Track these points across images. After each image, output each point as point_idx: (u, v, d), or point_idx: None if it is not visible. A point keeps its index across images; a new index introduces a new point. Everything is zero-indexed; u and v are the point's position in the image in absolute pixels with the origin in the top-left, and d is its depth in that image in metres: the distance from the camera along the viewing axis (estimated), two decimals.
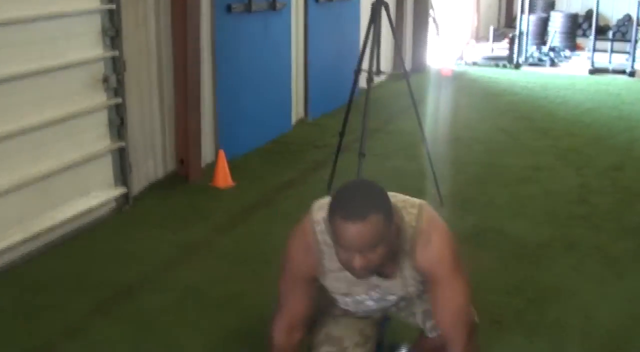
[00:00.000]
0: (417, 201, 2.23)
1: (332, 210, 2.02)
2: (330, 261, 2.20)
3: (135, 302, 3.44)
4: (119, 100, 4.36)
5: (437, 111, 7.31)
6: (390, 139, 6.22)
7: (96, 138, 4.32)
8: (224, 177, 4.93)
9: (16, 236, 3.80)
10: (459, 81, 9.34)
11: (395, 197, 2.17)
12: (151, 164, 4.84)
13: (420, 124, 4.62)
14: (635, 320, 3.31)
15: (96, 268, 3.79)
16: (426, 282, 2.26)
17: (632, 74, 9.52)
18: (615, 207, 4.72)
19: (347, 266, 2.07)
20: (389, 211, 2.03)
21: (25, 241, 3.85)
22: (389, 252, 2.08)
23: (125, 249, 4.01)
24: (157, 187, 4.85)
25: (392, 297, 2.39)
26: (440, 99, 8.08)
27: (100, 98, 4.30)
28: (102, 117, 4.35)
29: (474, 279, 3.59)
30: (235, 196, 4.80)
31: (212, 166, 5.16)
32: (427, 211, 2.21)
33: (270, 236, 4.17)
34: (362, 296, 2.36)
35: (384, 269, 2.17)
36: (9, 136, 3.73)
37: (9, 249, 3.76)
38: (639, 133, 6.43)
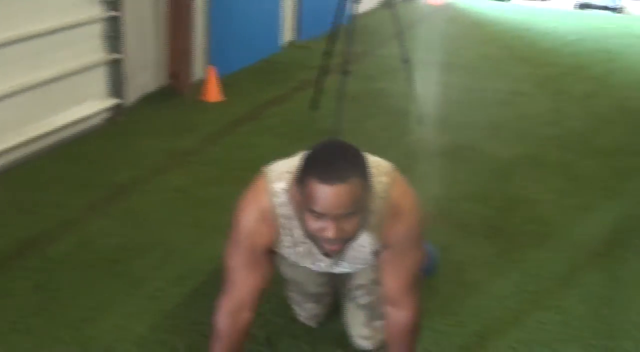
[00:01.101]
0: (387, 166, 2.10)
1: (307, 171, 1.84)
2: (286, 237, 2.11)
3: (127, 201, 3.69)
4: (116, 13, 4.53)
5: (423, 38, 7.48)
6: (377, 62, 6.41)
7: (92, 49, 4.50)
8: (214, 92, 5.13)
9: (13, 140, 4.01)
10: (448, 11, 9.48)
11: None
12: (144, 77, 5.03)
13: (402, 45, 4.80)
14: (587, 226, 3.58)
15: (90, 171, 4.02)
16: (381, 254, 2.15)
17: (618, 10, 9.67)
18: (585, 131, 4.96)
19: (317, 236, 1.90)
20: (368, 176, 1.88)
21: (21, 145, 4.06)
22: (361, 225, 1.93)
23: (118, 155, 4.24)
24: (149, 100, 5.06)
25: (338, 269, 2.32)
26: (427, 27, 8.24)
27: (97, 10, 4.47)
28: (99, 30, 4.53)
29: (446, 189, 3.92)
30: (224, 110, 5.01)
31: (202, 82, 5.36)
32: (398, 180, 2.09)
33: (256, 146, 4.41)
34: (306, 265, 2.28)
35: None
36: (8, 43, 3.90)
37: (6, 152, 3.98)
38: (618, 64, 6.64)
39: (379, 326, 2.54)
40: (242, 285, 2.16)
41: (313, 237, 1.93)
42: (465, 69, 6.35)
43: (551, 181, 4.12)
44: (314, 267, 2.31)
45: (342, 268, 2.29)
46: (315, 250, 2.12)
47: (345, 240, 1.92)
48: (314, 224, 1.88)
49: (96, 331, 2.66)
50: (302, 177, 1.87)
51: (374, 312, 2.51)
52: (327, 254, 2.09)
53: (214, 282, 2.96)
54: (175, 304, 2.84)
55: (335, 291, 2.68)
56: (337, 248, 1.94)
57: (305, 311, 2.68)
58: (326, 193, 1.80)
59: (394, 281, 2.16)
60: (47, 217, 3.47)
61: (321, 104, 5.07)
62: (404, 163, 2.31)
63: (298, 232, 2.08)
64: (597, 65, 6.55)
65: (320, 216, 1.84)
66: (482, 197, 3.86)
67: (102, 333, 2.65)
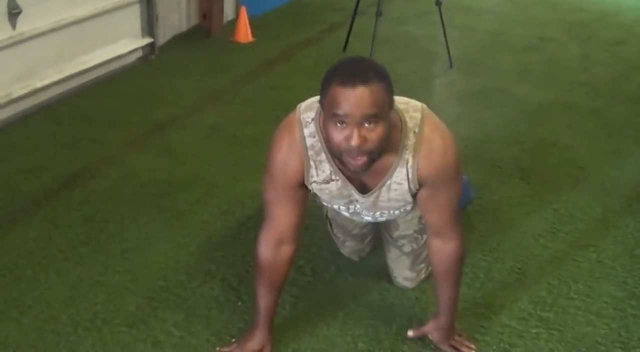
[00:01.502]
0: (418, 104, 2.10)
1: (329, 77, 1.86)
2: (317, 170, 2.11)
3: (164, 138, 3.75)
4: None
5: None
6: (405, 5, 6.38)
7: None
8: (244, 33, 5.15)
9: (51, 77, 4.08)
10: None
11: (396, 98, 2.00)
12: (176, 17, 5.05)
13: None
14: (621, 171, 3.62)
15: (127, 108, 4.08)
16: (419, 192, 2.14)
17: None
18: (613, 77, 4.96)
19: (342, 149, 1.89)
20: (390, 85, 1.89)
21: (59, 82, 4.13)
22: (387, 137, 1.92)
23: (153, 93, 4.29)
24: (181, 40, 5.08)
25: (367, 218, 2.37)
26: None
27: None
28: None
29: (477, 130, 3.96)
30: (255, 51, 5.04)
31: (233, 23, 5.37)
32: (430, 116, 2.09)
33: (291, 87, 4.44)
34: (340, 207, 2.32)
35: (376, 164, 1.98)
36: None
37: (45, 88, 4.04)
38: None
39: (422, 268, 2.64)
40: (280, 218, 2.18)
41: (339, 153, 1.92)
42: (493, 14, 6.32)
43: (582, 125, 4.15)
44: (346, 213, 2.35)
45: (380, 213, 2.30)
46: (348, 189, 2.15)
47: (370, 152, 1.89)
48: (338, 135, 1.87)
49: (145, 260, 2.75)
50: (325, 86, 1.87)
51: (417, 257, 2.60)
52: (361, 191, 2.14)
53: (258, 217, 3.03)
54: (221, 237, 2.92)
55: (377, 233, 2.75)
56: (362, 162, 1.91)
57: (348, 248, 2.76)
58: (348, 94, 1.81)
59: (436, 217, 2.18)
60: (88, 153, 3.54)
61: (352, 46, 5.08)
62: (435, 105, 2.35)
63: (327, 167, 2.10)
64: (625, 13, 6.50)
65: (342, 122, 1.85)
66: (514, 140, 3.89)
67: (151, 263, 2.74)
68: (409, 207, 2.27)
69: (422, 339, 2.40)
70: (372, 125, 1.86)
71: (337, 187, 2.16)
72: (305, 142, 2.07)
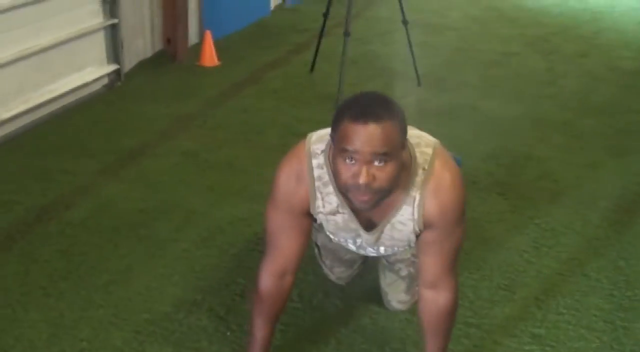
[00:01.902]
0: (432, 139, 2.05)
1: (341, 113, 1.83)
2: (323, 201, 2.07)
3: (137, 165, 3.68)
4: None
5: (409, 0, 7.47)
6: (367, 24, 6.39)
7: (90, 14, 4.44)
8: (210, 56, 5.11)
9: (18, 107, 3.99)
10: None
11: (410, 129, 1.95)
12: (141, 42, 4.99)
13: (401, 7, 4.79)
14: (597, 183, 3.65)
15: (97, 137, 4.00)
16: (422, 234, 2.08)
17: None
18: (580, 89, 5.02)
19: (349, 185, 1.85)
20: (404, 124, 1.85)
21: (26, 112, 4.03)
22: (396, 177, 1.87)
23: (123, 120, 4.22)
24: (146, 65, 5.02)
25: (372, 254, 2.33)
26: None
27: None
28: None
29: (451, 147, 3.95)
30: (222, 74, 5.00)
31: (197, 47, 5.33)
32: (442, 153, 2.04)
33: (261, 110, 4.41)
34: (348, 241, 2.26)
35: (382, 204, 1.96)
36: (7, 10, 3.85)
37: (12, 119, 3.95)
38: (603, 24, 6.68)
39: (416, 290, 2.59)
40: (284, 248, 2.13)
41: (345, 189, 1.88)
42: (455, 30, 6.37)
43: (554, 138, 4.18)
44: (352, 245, 2.29)
45: (380, 251, 2.26)
46: (353, 223, 2.11)
47: (377, 191, 1.85)
48: (346, 172, 1.83)
49: (128, 293, 2.69)
50: (336, 122, 1.84)
51: (413, 281, 2.55)
52: (366, 227, 2.10)
53: (239, 243, 3.02)
54: (204, 265, 2.87)
55: (366, 258, 2.70)
56: (368, 199, 1.86)
57: (336, 273, 2.72)
58: (359, 130, 1.77)
59: (435, 262, 2.09)
60: (60, 184, 3.46)
61: (319, 67, 5.07)
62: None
63: (334, 200, 2.06)
64: (584, 25, 6.60)
65: (352, 158, 1.81)
66: (488, 156, 3.91)
67: (135, 295, 2.68)
68: (413, 245, 2.19)
69: None
70: (382, 164, 1.82)
71: (344, 220, 2.11)
72: (313, 173, 2.04)
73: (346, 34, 4.53)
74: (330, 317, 2.61)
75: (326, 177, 2.04)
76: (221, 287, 2.74)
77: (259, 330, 2.22)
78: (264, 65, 5.23)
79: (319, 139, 2.07)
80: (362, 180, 1.81)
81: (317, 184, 2.05)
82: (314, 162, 2.04)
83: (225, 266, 2.87)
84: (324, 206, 2.09)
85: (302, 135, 3.78)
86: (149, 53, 5.09)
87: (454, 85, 4.99)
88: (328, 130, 2.03)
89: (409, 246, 2.21)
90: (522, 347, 2.48)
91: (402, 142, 1.86)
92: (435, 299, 2.13)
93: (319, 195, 2.06)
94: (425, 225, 2.04)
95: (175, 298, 2.67)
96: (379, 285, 2.64)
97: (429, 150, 2.02)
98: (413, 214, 2.03)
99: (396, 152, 1.84)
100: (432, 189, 1.99)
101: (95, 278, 2.76)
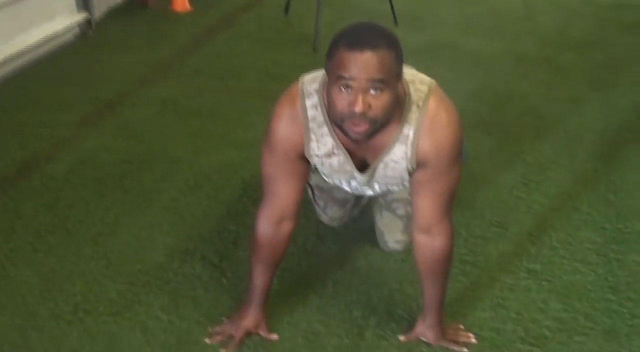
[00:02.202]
0: (427, 78, 2.00)
1: (337, 40, 1.79)
2: (318, 143, 2.03)
3: (117, 115, 3.60)
4: None
5: None
6: None
7: None
8: (182, 2, 4.99)
9: None
10: None
11: (404, 68, 1.90)
12: None
13: None
14: (580, 117, 3.65)
15: (72, 87, 3.90)
16: (415, 173, 2.03)
17: None
18: (558, 24, 5.00)
19: (345, 114, 1.81)
20: (400, 54, 1.81)
21: None
22: (392, 106, 1.84)
23: (97, 70, 4.12)
24: (117, 13, 4.90)
25: (369, 193, 2.30)
26: None
27: None
28: None
29: None
30: (195, 19, 4.89)
31: None
32: (438, 91, 1.99)
33: (237, 54, 4.33)
34: (342, 182, 2.22)
35: (376, 138, 1.93)
36: None
37: None
38: None
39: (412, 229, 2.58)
40: (281, 194, 2.10)
41: (340, 119, 1.84)
42: None
43: (535, 74, 4.17)
44: (346, 187, 2.26)
45: (375, 189, 2.23)
46: (348, 165, 2.08)
47: (373, 120, 1.81)
48: (342, 101, 1.79)
49: (119, 244, 2.64)
50: (331, 50, 1.80)
51: (410, 220, 2.50)
52: (360, 168, 2.07)
53: (227, 190, 2.98)
54: (193, 214, 2.83)
55: (359, 198, 2.68)
56: (364, 129, 1.83)
57: (328, 215, 2.69)
58: (355, 57, 1.74)
59: (429, 204, 2.05)
60: (39, 137, 3.38)
61: (293, 8, 4.99)
62: None
63: (330, 141, 2.02)
64: None
65: (347, 86, 1.77)
66: (472, 93, 3.88)
67: (125, 246, 2.63)
68: (407, 184, 2.15)
69: (417, 301, 2.37)
70: (377, 92, 1.78)
71: (339, 162, 2.08)
72: (307, 113, 1.98)
73: None
74: (326, 260, 2.60)
75: (321, 118, 1.99)
76: (213, 235, 2.70)
77: (259, 276, 2.20)
78: (237, 8, 5.13)
79: (312, 79, 2.01)
80: (357, 108, 1.78)
81: (311, 125, 2.00)
82: (308, 102, 1.98)
83: (215, 214, 2.84)
84: (318, 148, 2.04)
85: (281, 78, 3.78)
86: (119, 0, 4.96)
87: (432, 24, 4.94)
88: (321, 71, 1.99)
89: (403, 184, 2.17)
90: (519, 283, 2.49)
91: (397, 72, 1.82)
92: (430, 244, 2.10)
93: (313, 136, 2.02)
94: (419, 164, 2.00)
95: (167, 247, 2.63)
96: (375, 226, 2.62)
97: (424, 88, 1.97)
98: (406, 153, 1.99)
99: (392, 81, 1.80)
100: (427, 126, 1.95)
101: (83, 231, 2.71)
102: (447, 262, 2.15)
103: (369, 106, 1.79)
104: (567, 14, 5.17)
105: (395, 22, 4.85)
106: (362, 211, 2.77)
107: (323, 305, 2.38)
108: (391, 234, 2.58)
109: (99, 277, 2.48)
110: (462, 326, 2.29)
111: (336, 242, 2.68)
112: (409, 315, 2.33)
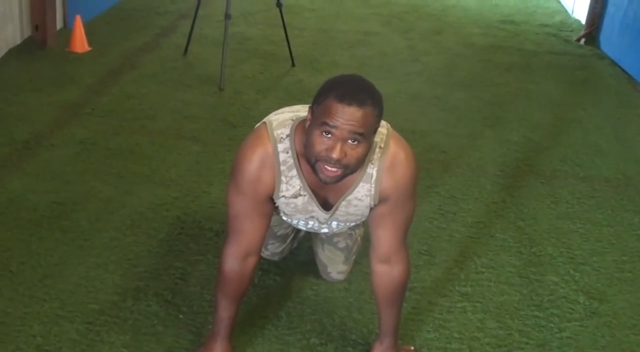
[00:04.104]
0: (383, 121, 2.15)
1: (327, 91, 1.96)
2: (287, 185, 2.17)
3: (37, 157, 3.57)
4: None
5: None
6: (223, 6, 6.42)
7: None
8: (81, 42, 4.98)
9: None
10: None
11: None
12: (10, 29, 4.79)
13: None
14: (480, 151, 3.97)
15: None
16: (376, 207, 2.21)
17: None
18: (443, 65, 5.35)
19: (321, 156, 1.97)
20: (381, 113, 2.01)
21: None
22: (364, 157, 2.02)
23: (8, 112, 4.04)
24: (17, 54, 4.81)
25: (324, 231, 2.45)
26: None
27: None
28: None
29: None
30: (95, 60, 4.89)
31: (63, 32, 5.19)
32: (394, 132, 2.20)
33: (146, 95, 4.39)
34: (300, 222, 2.38)
35: (345, 180, 2.09)
36: None
37: None
38: (448, 2, 7.07)
39: (353, 259, 2.78)
40: (248, 232, 2.20)
41: (315, 159, 2.00)
42: (312, 11, 6.53)
43: (431, 113, 4.46)
44: (302, 226, 2.41)
45: (332, 227, 2.38)
46: (311, 205, 2.24)
47: (345, 167, 1.99)
48: (320, 144, 1.96)
49: (68, 285, 2.67)
50: (321, 97, 1.97)
51: (350, 251, 2.73)
52: (323, 207, 2.23)
53: (165, 228, 3.06)
54: (136, 252, 2.89)
55: (298, 233, 2.85)
56: (336, 174, 2.00)
57: (270, 250, 2.82)
58: (343, 110, 1.91)
59: (389, 235, 2.22)
60: None
61: (192, 50, 5.10)
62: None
63: (298, 183, 2.18)
64: (432, 4, 6.96)
65: (329, 133, 1.94)
66: None
67: (76, 287, 2.67)
68: (361, 220, 2.35)
69: (368, 326, 2.54)
70: (355, 143, 1.96)
71: (303, 202, 2.23)
72: (279, 157, 2.13)
73: (227, 16, 4.60)
74: (274, 293, 2.73)
75: (291, 161, 2.14)
76: (160, 272, 2.77)
77: (225, 310, 2.30)
78: (136, 49, 5.18)
79: (281, 124, 2.17)
80: (335, 154, 1.95)
81: (282, 168, 2.15)
82: (280, 146, 2.13)
83: (157, 251, 2.91)
84: (287, 190, 2.19)
85: (196, 118, 3.88)
86: (18, 40, 4.90)
87: (327, 66, 5.17)
88: (285, 115, 2.19)
89: (361, 220, 2.35)
90: (455, 305, 2.71)
91: (376, 127, 2.02)
92: (389, 272, 2.28)
93: (283, 178, 2.16)
94: (381, 199, 2.20)
95: (117, 286, 2.68)
96: (316, 258, 2.78)
97: (384, 130, 2.18)
98: (370, 190, 2.18)
99: (370, 135, 2.00)
100: (388, 165, 2.15)
101: (29, 273, 2.71)
102: (404, 288, 2.34)
103: (345, 154, 1.96)
104: (450, 56, 5.55)
105: (293, 63, 5.05)
106: (299, 244, 2.93)
107: (280, 335, 2.51)
108: (334, 266, 2.74)
109: (55, 318, 2.50)
110: (412, 347, 2.48)
111: (280, 274, 2.82)
112: (362, 340, 2.51)
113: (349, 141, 1.96)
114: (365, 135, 1.97)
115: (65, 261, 2.80)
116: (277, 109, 2.35)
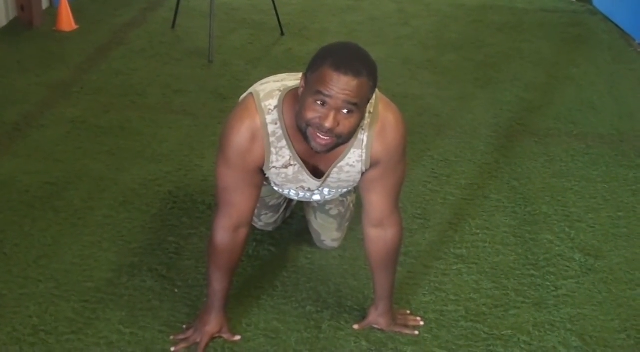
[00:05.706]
0: None
1: (322, 58, 1.92)
2: (277, 156, 2.16)
3: (27, 138, 3.55)
4: None
5: None
6: None
7: None
8: (67, 21, 4.94)
9: None
10: None
11: None
12: None
13: None
14: (472, 113, 3.95)
15: None
16: (367, 172, 2.21)
17: None
18: (433, 28, 5.31)
19: (313, 124, 1.95)
20: (376, 83, 1.98)
21: None
22: (357, 127, 1.99)
23: None
24: (3, 35, 4.79)
25: (316, 198, 2.42)
26: None
27: None
28: None
29: None
30: (83, 37, 4.85)
31: (49, 11, 5.14)
32: (383, 96, 2.18)
33: (135, 71, 4.36)
34: (291, 191, 2.38)
35: (337, 149, 2.08)
36: None
37: None
38: None
39: (346, 226, 2.77)
40: (239, 204, 2.20)
41: (306, 126, 1.97)
42: None
43: (423, 76, 4.44)
44: (294, 196, 2.40)
45: (324, 194, 2.37)
46: (302, 175, 2.23)
47: (338, 137, 1.97)
48: (313, 113, 1.94)
49: (63, 264, 2.67)
50: (316, 64, 1.93)
51: (343, 218, 2.72)
52: (313, 175, 2.22)
53: (157, 203, 3.05)
54: (130, 229, 2.88)
55: (291, 202, 2.84)
56: (327, 142, 1.98)
57: (263, 221, 2.82)
58: (339, 79, 1.88)
59: (382, 199, 2.23)
60: None
61: (179, 23, 5.06)
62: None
63: (287, 153, 2.16)
64: None
65: (324, 102, 1.91)
66: None
67: (70, 266, 2.66)
68: (353, 186, 2.34)
69: (363, 292, 2.55)
70: (349, 113, 1.94)
71: (294, 172, 2.22)
72: (268, 129, 2.11)
73: None
74: (269, 263, 2.73)
75: (280, 132, 2.12)
76: (154, 248, 2.77)
77: (218, 283, 2.30)
78: (123, 25, 5.13)
79: (268, 95, 2.13)
80: (328, 124, 1.93)
81: (271, 139, 2.13)
82: (268, 118, 2.11)
83: (151, 227, 2.90)
84: (277, 160, 2.18)
85: (185, 92, 3.86)
86: (4, 21, 4.86)
87: (316, 33, 5.13)
88: (272, 85, 2.16)
89: (353, 186, 2.34)
90: (450, 268, 2.71)
91: (369, 98, 1.99)
92: (383, 236, 2.29)
93: (273, 150, 2.15)
94: (372, 164, 2.19)
95: (112, 263, 2.68)
96: (310, 227, 2.77)
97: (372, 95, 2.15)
98: (362, 156, 2.17)
99: (363, 105, 1.97)
100: (378, 130, 2.13)
101: (24, 255, 2.71)
102: (398, 251, 2.34)
103: (338, 124, 1.94)
104: (441, 18, 5.50)
105: (282, 32, 5.02)
106: (293, 213, 2.93)
107: (276, 304, 2.51)
108: (327, 234, 2.74)
109: (50, 298, 2.50)
110: (409, 311, 2.48)
111: (274, 245, 2.82)
112: (358, 306, 2.51)
113: (343, 111, 1.93)
114: (359, 105, 1.94)
115: (59, 241, 2.79)
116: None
